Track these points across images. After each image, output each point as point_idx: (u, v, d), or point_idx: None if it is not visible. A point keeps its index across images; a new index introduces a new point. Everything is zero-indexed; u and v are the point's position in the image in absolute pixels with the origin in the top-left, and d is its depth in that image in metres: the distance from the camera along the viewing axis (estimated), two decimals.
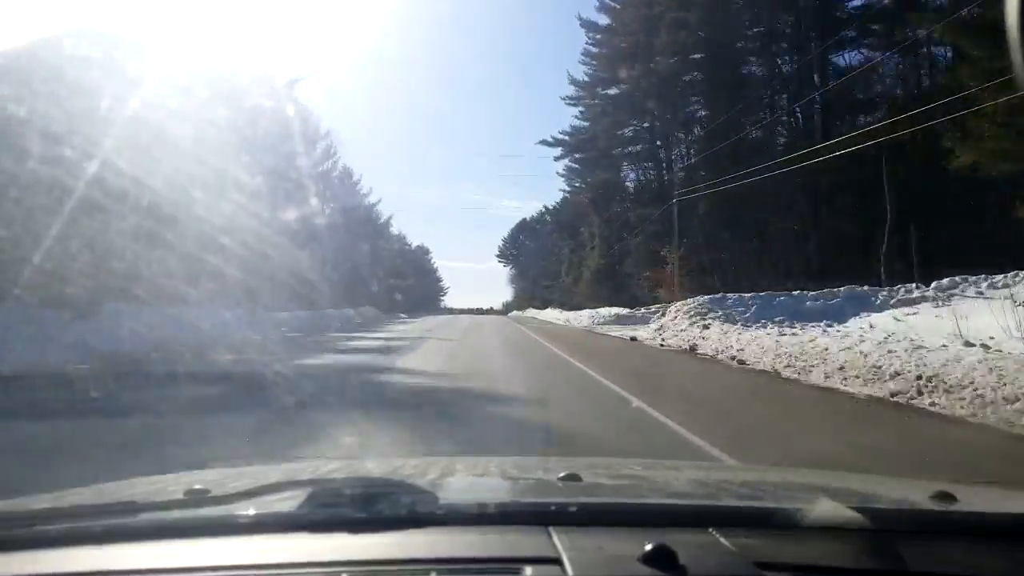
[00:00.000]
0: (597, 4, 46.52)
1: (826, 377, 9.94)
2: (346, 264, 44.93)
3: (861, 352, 10.52)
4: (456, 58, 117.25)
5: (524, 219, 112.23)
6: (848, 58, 31.51)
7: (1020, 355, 8.73)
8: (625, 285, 48.19)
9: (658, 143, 46.58)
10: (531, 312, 73.71)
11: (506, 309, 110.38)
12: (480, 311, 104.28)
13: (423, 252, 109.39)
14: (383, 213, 68.39)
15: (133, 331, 14.74)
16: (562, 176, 62.97)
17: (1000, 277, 15.59)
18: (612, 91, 47.32)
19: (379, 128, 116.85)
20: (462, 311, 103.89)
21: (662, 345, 18.36)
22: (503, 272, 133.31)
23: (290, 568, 1.10)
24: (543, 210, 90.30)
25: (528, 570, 1.04)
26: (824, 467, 4.31)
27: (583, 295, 54.46)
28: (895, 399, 8.11)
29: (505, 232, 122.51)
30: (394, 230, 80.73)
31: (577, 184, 60.93)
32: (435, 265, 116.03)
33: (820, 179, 26.59)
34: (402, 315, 59.05)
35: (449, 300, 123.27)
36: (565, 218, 75.70)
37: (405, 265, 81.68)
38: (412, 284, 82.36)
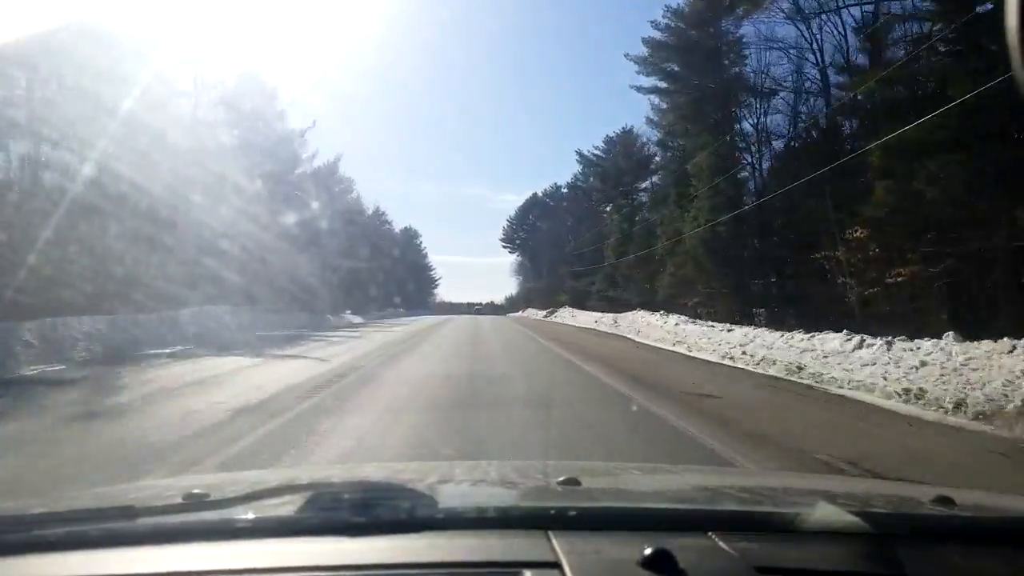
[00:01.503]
0: None
1: None
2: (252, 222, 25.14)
3: None
4: (455, 48, 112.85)
5: (535, 194, 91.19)
6: None
7: None
8: (760, 264, 25.95)
9: None
10: (572, 315, 47.88)
11: (509, 305, 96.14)
12: (478, 309, 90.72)
13: (411, 236, 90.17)
14: (337, 166, 48.74)
15: None
16: (635, 63, 33.07)
17: None
18: None
19: (373, 122, 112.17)
20: (459, 307, 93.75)
21: None
22: (504, 265, 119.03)
23: (289, 572, 1.10)
24: (577, 158, 65.97)
25: (527, 574, 1.03)
26: None
27: (674, 283, 31.10)
28: None
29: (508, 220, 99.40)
30: (370, 207, 64.45)
31: (669, 71, 32.03)
32: (424, 250, 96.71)
33: None
34: (350, 316, 41.56)
35: (444, 294, 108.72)
36: (615, 163, 53.86)
37: (376, 243, 59.80)
38: (392, 268, 62.77)
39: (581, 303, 52.38)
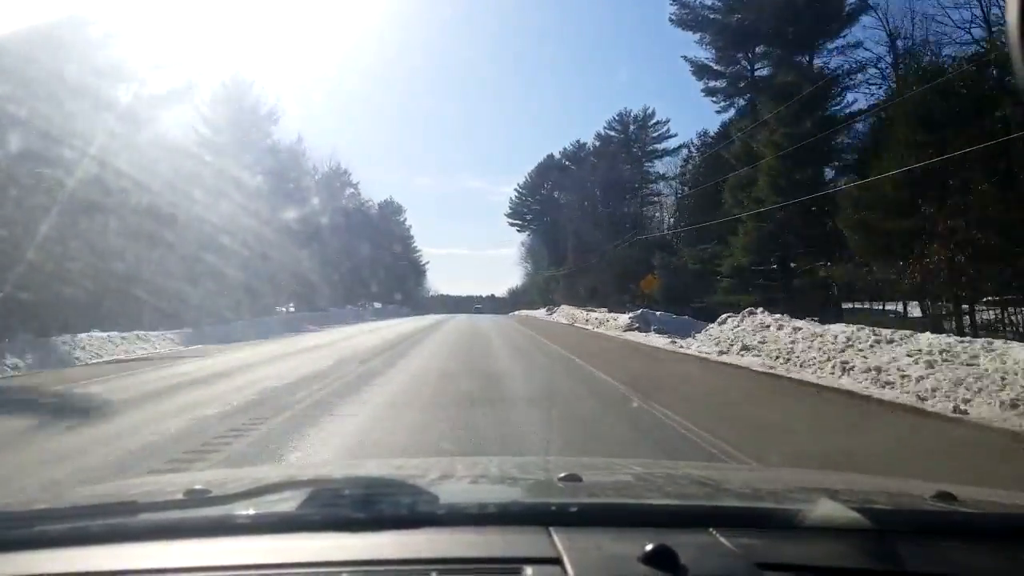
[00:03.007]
0: None
1: None
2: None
3: None
4: (450, 39, 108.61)
5: (551, 156, 70.00)
6: None
7: None
8: None
9: None
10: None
11: (512, 300, 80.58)
12: (478, 307, 76.77)
13: (393, 211, 70.87)
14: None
15: None
16: None
17: None
18: None
19: (370, 116, 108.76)
20: (458, 301, 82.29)
21: None
22: (507, 256, 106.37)
23: (290, 568, 1.10)
24: (674, 12, 36.31)
25: (528, 570, 1.03)
26: None
27: None
28: None
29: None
30: (324, 159, 48.19)
31: None
32: (410, 230, 76.84)
33: None
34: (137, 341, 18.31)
35: (442, 286, 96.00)
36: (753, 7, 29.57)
37: (339, 216, 43.79)
38: (363, 252, 46.93)
39: (684, 296, 30.43)
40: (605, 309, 37.72)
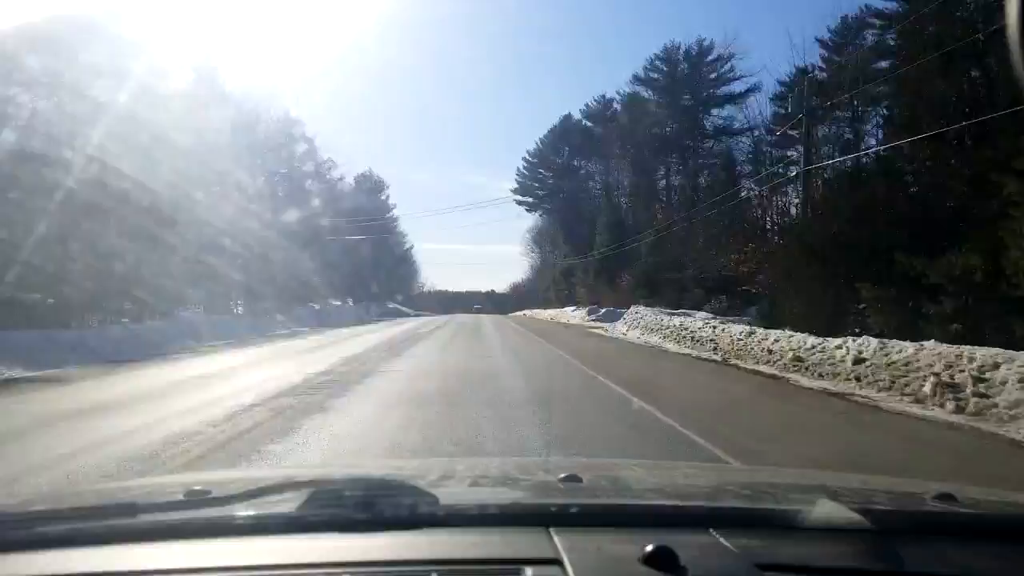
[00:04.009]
0: None
1: None
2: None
3: None
4: (454, 35, 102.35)
5: (568, 116, 56.60)
6: None
7: None
8: None
9: None
10: None
11: (515, 297, 69.82)
12: (478, 307, 66.59)
13: (374, 188, 57.73)
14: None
15: None
16: None
17: None
18: None
19: (368, 111, 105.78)
20: (455, 297, 76.38)
21: None
22: (508, 253, 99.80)
23: (291, 569, 1.10)
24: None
25: (528, 571, 1.03)
26: None
27: None
28: None
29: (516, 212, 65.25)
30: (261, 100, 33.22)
31: None
32: (394, 212, 62.45)
33: None
34: None
35: (438, 282, 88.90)
36: None
37: (288, 181, 33.66)
38: (331, 233, 36.28)
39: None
40: (723, 314, 19.89)
